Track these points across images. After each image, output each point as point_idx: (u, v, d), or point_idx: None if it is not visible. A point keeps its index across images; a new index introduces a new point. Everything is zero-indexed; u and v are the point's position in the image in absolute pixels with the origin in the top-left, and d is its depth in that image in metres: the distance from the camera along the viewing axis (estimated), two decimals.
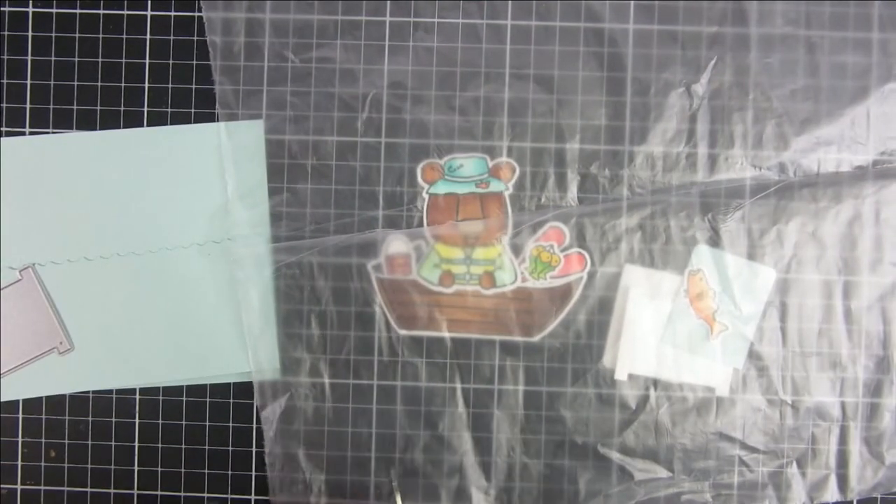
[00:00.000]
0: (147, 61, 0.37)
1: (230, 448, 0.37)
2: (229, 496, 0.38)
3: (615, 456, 0.37)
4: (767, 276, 0.37)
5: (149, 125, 0.37)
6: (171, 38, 0.37)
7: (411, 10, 0.37)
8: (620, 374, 0.37)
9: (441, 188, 0.37)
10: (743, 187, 0.37)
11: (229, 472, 0.38)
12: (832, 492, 0.37)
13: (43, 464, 0.38)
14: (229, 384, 0.37)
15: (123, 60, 0.37)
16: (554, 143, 0.37)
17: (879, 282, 0.37)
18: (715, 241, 0.37)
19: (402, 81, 0.37)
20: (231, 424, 0.37)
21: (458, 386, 0.37)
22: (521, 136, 0.37)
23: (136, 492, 0.38)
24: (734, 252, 0.37)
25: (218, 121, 0.37)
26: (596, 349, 0.37)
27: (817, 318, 0.37)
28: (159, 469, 0.38)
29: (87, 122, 0.38)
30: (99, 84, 0.37)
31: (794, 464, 0.37)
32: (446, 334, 0.37)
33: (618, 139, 0.37)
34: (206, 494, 0.38)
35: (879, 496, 0.37)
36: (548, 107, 0.37)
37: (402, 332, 0.37)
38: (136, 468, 0.38)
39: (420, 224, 0.37)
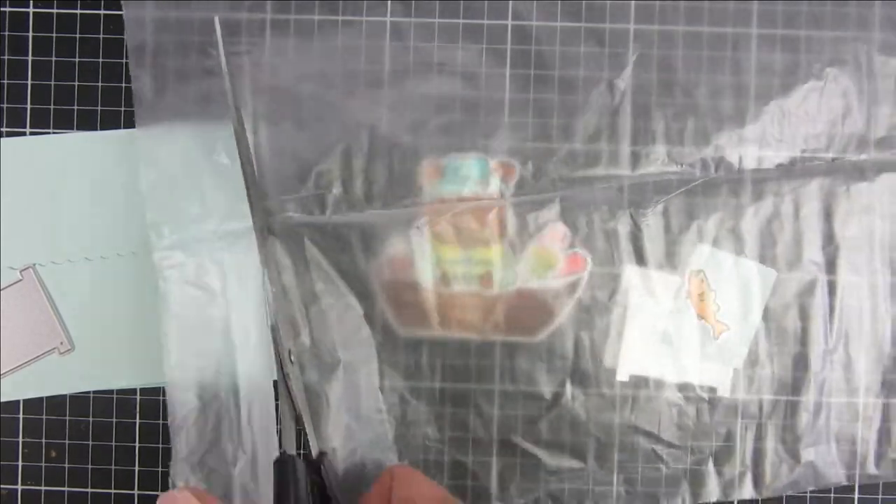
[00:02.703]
0: None
1: None
2: None
3: (527, 446, 0.37)
4: (768, 276, 0.37)
5: None
6: None
7: (412, 10, 0.37)
8: (622, 375, 0.37)
9: (441, 188, 0.37)
10: (664, 182, 0.37)
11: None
12: (747, 489, 0.37)
13: (43, 464, 0.38)
14: None
15: (124, 60, 0.37)
16: (554, 144, 0.37)
17: (799, 279, 0.37)
18: (636, 235, 0.37)
19: (403, 81, 0.37)
20: None
21: (458, 386, 0.37)
22: (522, 136, 0.37)
23: (136, 492, 0.38)
24: (656, 250, 0.37)
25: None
26: (596, 349, 0.37)
27: (735, 314, 0.37)
28: (160, 469, 0.38)
29: (87, 122, 0.38)
30: (99, 84, 0.37)
31: (711, 460, 0.37)
32: (446, 335, 0.37)
33: (546, 135, 0.37)
34: None
35: (808, 494, 0.37)
36: (548, 106, 0.37)
37: (402, 332, 0.37)
38: (136, 468, 0.38)
39: (420, 224, 0.37)
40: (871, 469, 0.37)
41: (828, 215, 0.37)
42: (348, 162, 0.37)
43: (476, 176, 0.37)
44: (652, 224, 0.37)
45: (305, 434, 0.33)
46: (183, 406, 0.36)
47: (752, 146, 0.37)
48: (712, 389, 0.37)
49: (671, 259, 0.37)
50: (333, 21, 0.37)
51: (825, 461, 0.37)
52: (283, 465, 0.30)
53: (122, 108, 0.37)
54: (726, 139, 0.37)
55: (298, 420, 0.33)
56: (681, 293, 0.37)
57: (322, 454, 0.33)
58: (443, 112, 0.37)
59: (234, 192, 0.35)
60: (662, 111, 0.37)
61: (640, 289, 0.37)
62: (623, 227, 0.37)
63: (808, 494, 0.38)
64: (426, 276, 0.37)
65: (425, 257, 0.37)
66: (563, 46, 0.37)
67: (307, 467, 0.31)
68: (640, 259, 0.37)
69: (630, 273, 0.37)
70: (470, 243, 0.37)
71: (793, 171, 0.37)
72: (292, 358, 0.33)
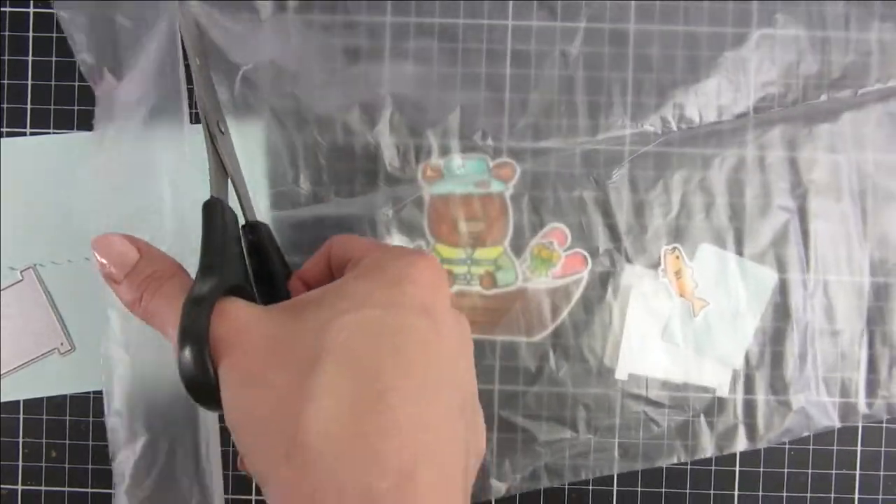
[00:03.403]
0: None
1: (231, 448, 0.37)
2: (230, 496, 0.38)
3: (518, 420, 0.37)
4: (770, 277, 0.37)
5: None
6: None
7: (412, 10, 0.37)
8: (621, 374, 0.37)
9: (441, 188, 0.37)
10: (625, 144, 0.37)
11: (230, 472, 0.38)
12: (741, 441, 0.37)
13: (44, 464, 0.38)
14: None
15: None
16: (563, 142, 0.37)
17: (771, 226, 0.37)
18: (603, 200, 0.37)
19: (404, 82, 0.37)
20: None
21: None
22: (522, 136, 0.37)
23: None
24: (624, 213, 0.37)
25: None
26: (596, 349, 0.37)
27: (712, 268, 0.37)
28: None
29: (87, 122, 0.38)
30: None
31: (702, 416, 0.37)
32: None
33: (500, 109, 0.37)
34: None
35: (808, 495, 0.37)
36: (502, 78, 0.37)
37: None
38: None
39: (420, 224, 0.37)
40: (863, 409, 0.37)
41: (793, 159, 0.37)
42: (314, 158, 0.37)
43: (473, 175, 0.37)
44: (619, 187, 0.37)
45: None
46: (131, 430, 0.35)
47: (710, 98, 0.37)
48: (697, 344, 0.37)
49: (640, 220, 0.37)
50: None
51: (816, 406, 0.37)
52: (211, 208, 0.28)
53: None
54: (683, 95, 0.37)
55: (224, 170, 0.31)
56: (658, 271, 0.37)
57: (261, 223, 0.31)
58: (405, 99, 0.37)
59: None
60: (617, 74, 0.37)
61: (637, 286, 0.37)
62: (589, 193, 0.37)
63: (809, 495, 0.38)
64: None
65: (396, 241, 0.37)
66: (514, 21, 0.37)
67: (245, 228, 0.29)
68: (610, 223, 0.37)
69: (630, 272, 0.37)
70: (470, 243, 0.37)
71: (754, 119, 0.37)
72: (221, 128, 0.32)
